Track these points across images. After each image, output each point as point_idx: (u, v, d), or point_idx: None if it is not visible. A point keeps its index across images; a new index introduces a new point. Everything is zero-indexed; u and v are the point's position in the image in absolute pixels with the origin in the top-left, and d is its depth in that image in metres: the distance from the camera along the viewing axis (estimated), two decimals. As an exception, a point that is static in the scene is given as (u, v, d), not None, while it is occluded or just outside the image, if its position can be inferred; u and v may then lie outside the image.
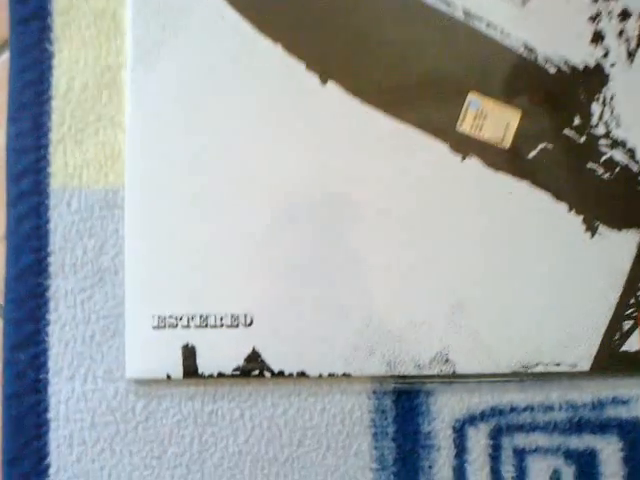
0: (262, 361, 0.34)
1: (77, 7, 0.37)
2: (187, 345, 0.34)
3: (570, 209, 0.35)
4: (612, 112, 0.36)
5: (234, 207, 0.35)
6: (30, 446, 0.35)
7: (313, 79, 0.35)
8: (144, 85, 0.36)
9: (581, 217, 0.35)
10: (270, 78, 0.36)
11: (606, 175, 0.36)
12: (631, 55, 0.36)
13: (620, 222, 0.36)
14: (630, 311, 0.35)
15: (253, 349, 0.34)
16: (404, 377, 0.35)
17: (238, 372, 0.34)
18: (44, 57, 0.37)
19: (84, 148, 0.36)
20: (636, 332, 0.35)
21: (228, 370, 0.34)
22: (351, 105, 0.35)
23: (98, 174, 0.36)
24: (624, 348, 0.35)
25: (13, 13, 0.37)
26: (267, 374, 0.34)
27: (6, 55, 0.38)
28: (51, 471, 0.35)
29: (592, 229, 0.35)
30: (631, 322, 0.35)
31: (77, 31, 0.37)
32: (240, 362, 0.34)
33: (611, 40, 0.36)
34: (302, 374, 0.34)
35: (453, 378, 0.35)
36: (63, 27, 0.37)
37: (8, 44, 0.37)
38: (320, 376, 0.34)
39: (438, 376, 0.35)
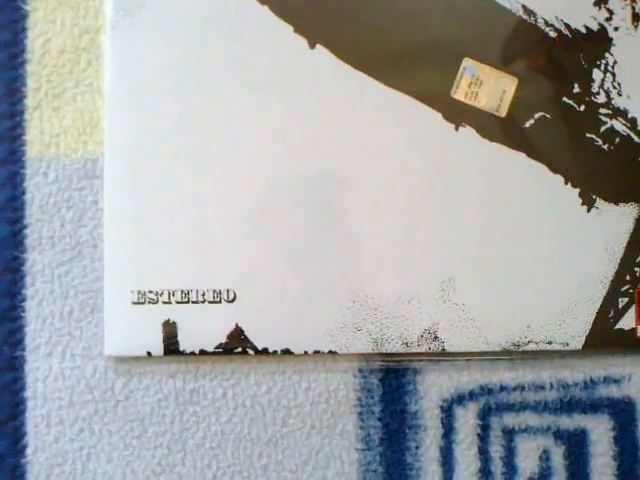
0: (245, 338, 0.33)
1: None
2: (168, 321, 0.33)
3: (566, 182, 0.34)
4: (614, 79, 0.35)
5: (218, 180, 0.34)
6: (6, 426, 0.34)
7: (301, 43, 0.34)
8: (124, 47, 0.34)
9: (577, 190, 0.34)
10: (257, 41, 0.34)
11: (605, 146, 0.35)
12: (636, 18, 0.35)
13: (618, 196, 0.34)
14: (626, 288, 0.34)
15: (236, 325, 0.33)
16: (391, 355, 0.34)
17: (220, 349, 0.33)
18: (17, 17, 0.35)
19: (61, 115, 0.35)
20: (631, 309, 0.34)
21: (210, 347, 0.33)
22: (341, 71, 0.34)
23: (76, 142, 0.35)
24: (618, 326, 0.34)
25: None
26: (250, 352, 0.33)
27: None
28: (28, 451, 0.34)
29: (588, 203, 0.34)
30: (626, 299, 0.34)
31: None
32: (223, 339, 0.33)
33: (615, 2, 0.35)
34: (287, 351, 0.34)
35: (442, 356, 0.34)
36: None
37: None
38: (305, 353, 0.34)
39: (426, 354, 0.34)
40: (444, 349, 0.34)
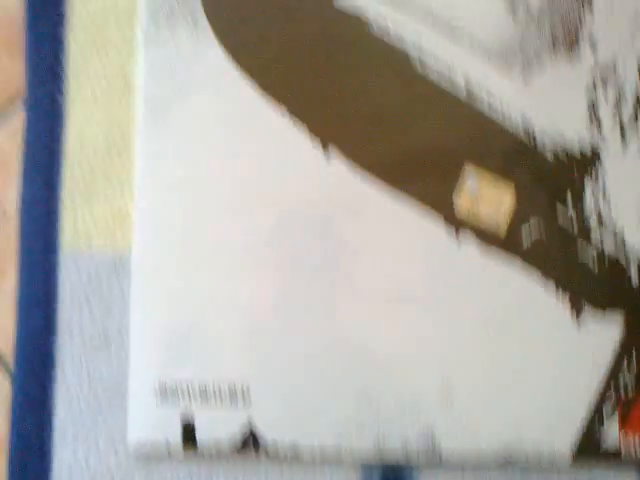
0: (256, 439, 0.36)
1: (90, 66, 0.38)
2: (186, 418, 0.35)
3: (557, 288, 0.36)
4: (604, 196, 0.37)
5: (239, 279, 0.36)
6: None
7: (315, 144, 0.37)
8: (154, 145, 0.36)
9: (568, 301, 0.36)
10: (274, 141, 0.37)
11: (596, 268, 0.37)
12: (625, 140, 0.37)
13: (605, 303, 0.37)
14: (611, 401, 0.36)
15: (249, 426, 0.36)
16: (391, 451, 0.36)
17: (235, 448, 0.36)
18: (56, 115, 0.38)
19: (94, 211, 0.37)
20: (615, 426, 0.36)
21: (225, 446, 0.35)
22: (352, 174, 0.37)
23: (107, 237, 0.37)
24: (604, 446, 0.36)
25: (29, 71, 0.38)
26: (262, 451, 0.36)
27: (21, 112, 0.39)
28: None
29: (578, 309, 0.36)
30: (612, 411, 0.36)
31: (90, 91, 0.38)
32: (237, 438, 0.35)
33: (607, 125, 0.37)
34: (294, 446, 0.36)
35: (438, 459, 0.36)
36: (77, 86, 0.38)
37: (24, 102, 0.38)
38: (312, 448, 0.36)
39: (423, 452, 0.36)
40: (440, 453, 0.36)
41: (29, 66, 0.38)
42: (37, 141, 0.38)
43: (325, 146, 0.37)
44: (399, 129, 0.37)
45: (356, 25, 0.37)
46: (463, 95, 0.37)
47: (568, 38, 0.37)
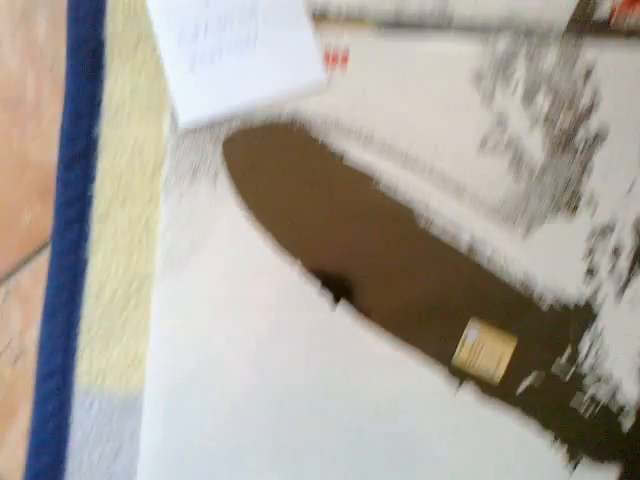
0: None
1: (114, 213, 0.41)
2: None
3: (555, 440, 0.38)
4: (599, 349, 0.38)
5: (247, 424, 0.37)
6: None
7: (326, 298, 0.39)
8: (169, 296, 0.39)
9: (565, 452, 0.37)
10: (286, 294, 0.39)
11: (588, 413, 0.38)
12: (620, 292, 0.39)
13: (601, 454, 0.37)
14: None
15: None
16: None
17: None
18: (80, 260, 0.40)
19: (109, 353, 0.39)
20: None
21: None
22: (357, 324, 0.38)
23: (120, 379, 0.39)
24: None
25: (58, 217, 0.41)
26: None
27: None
28: None
29: (575, 460, 0.37)
30: None
31: (112, 237, 0.41)
32: None
33: (603, 276, 0.39)
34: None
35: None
36: (100, 233, 0.41)
37: (49, 244, 0.41)
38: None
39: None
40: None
41: (58, 211, 0.41)
42: (59, 284, 0.40)
43: (336, 300, 0.38)
44: (404, 283, 0.39)
45: (365, 181, 0.40)
46: (465, 250, 0.39)
47: (569, 201, 0.40)
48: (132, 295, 0.40)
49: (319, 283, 0.39)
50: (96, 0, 0.42)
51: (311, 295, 0.39)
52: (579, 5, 0.40)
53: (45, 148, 0.42)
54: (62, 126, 0.40)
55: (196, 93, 0.40)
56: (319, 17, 0.40)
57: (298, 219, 0.39)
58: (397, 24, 0.40)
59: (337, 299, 0.39)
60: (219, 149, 0.40)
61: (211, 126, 0.40)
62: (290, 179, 0.40)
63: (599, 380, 0.38)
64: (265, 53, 0.40)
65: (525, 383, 0.38)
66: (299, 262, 0.39)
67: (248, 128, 0.40)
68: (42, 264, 0.41)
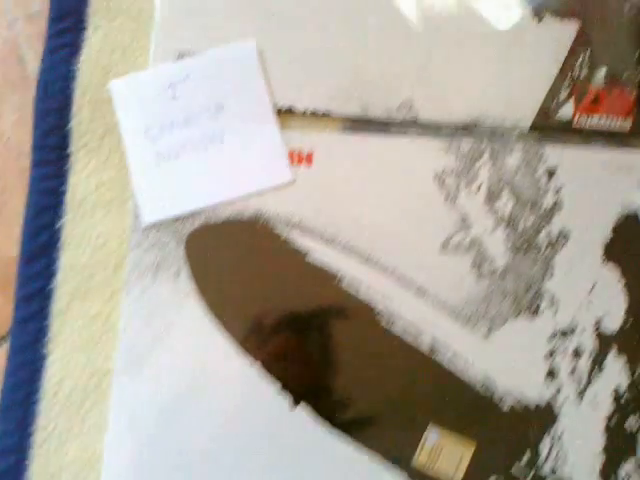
0: None
1: (75, 308, 0.40)
2: None
3: None
4: (559, 450, 0.38)
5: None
6: None
7: (285, 400, 0.38)
8: (129, 393, 0.38)
9: None
10: (245, 395, 0.39)
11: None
12: (581, 393, 0.39)
13: None
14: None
15: None
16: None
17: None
18: (38, 356, 0.40)
19: (65, 450, 0.39)
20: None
21: None
22: (319, 429, 0.38)
23: (76, 478, 0.39)
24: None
25: (17, 312, 0.40)
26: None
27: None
28: None
29: None
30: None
31: (71, 333, 0.40)
32: None
33: (564, 377, 0.39)
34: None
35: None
36: (60, 328, 0.40)
37: (8, 338, 0.40)
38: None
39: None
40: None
41: (17, 306, 0.40)
42: (17, 381, 0.40)
43: (296, 402, 0.38)
44: (364, 383, 0.39)
45: (327, 280, 0.40)
46: (427, 350, 0.39)
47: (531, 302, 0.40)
48: (91, 391, 0.40)
49: (279, 385, 0.38)
50: (63, 92, 0.42)
51: (270, 395, 0.38)
52: (542, 107, 0.40)
53: (7, 240, 0.42)
54: (25, 219, 0.40)
55: (160, 190, 0.40)
56: (285, 114, 0.40)
57: (259, 318, 0.39)
58: (363, 123, 0.40)
59: (297, 402, 0.38)
60: (182, 245, 0.40)
61: (174, 221, 0.40)
62: (253, 277, 0.40)
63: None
64: (231, 150, 0.40)
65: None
66: (259, 363, 0.39)
67: (212, 224, 0.40)
68: (1, 358, 0.41)
